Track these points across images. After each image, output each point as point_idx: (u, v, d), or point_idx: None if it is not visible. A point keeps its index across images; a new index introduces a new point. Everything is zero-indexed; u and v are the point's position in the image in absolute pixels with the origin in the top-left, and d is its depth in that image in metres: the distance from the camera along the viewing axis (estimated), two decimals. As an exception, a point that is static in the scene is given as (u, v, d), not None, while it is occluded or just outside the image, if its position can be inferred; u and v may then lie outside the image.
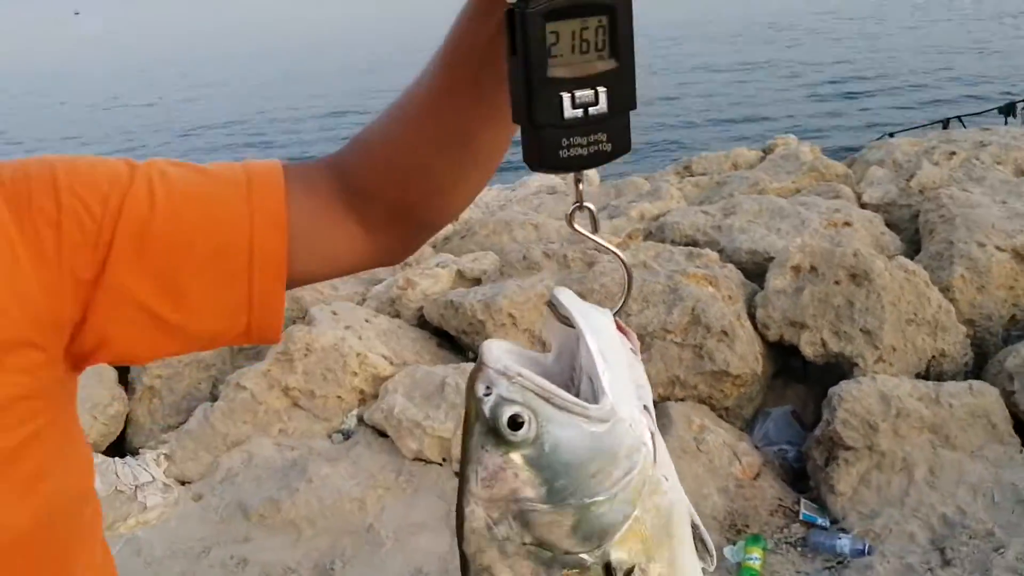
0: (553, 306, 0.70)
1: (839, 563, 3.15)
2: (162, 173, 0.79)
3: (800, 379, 4.15)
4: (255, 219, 0.79)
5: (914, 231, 4.81)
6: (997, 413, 3.51)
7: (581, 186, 0.69)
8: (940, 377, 3.82)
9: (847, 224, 4.60)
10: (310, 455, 3.43)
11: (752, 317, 4.00)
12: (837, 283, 3.90)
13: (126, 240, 0.75)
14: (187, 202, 0.78)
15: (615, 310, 0.71)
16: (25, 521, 0.73)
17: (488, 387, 0.63)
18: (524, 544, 0.64)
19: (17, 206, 0.74)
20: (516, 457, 0.63)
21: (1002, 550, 2.98)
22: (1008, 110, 10.22)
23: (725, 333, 3.75)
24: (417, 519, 3.26)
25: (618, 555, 0.64)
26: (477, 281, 4.38)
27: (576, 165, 0.65)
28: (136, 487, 3.33)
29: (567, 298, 0.70)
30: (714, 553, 0.75)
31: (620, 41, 0.64)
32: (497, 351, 0.65)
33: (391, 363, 3.78)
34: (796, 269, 4.01)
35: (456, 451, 3.41)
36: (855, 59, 23.46)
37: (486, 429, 0.63)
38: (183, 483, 3.48)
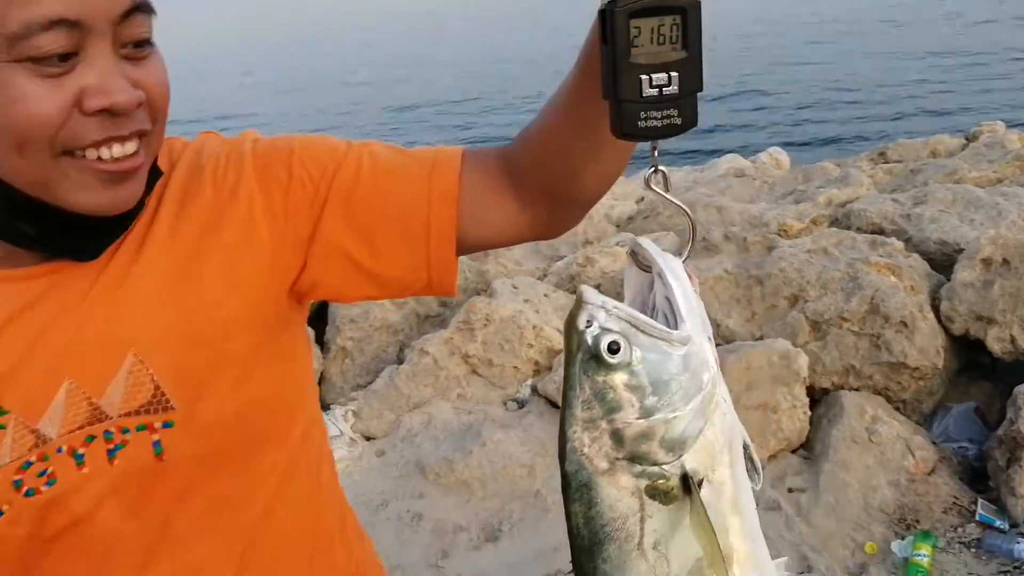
0: (634, 254, 0.81)
1: (1016, 568, 3.04)
2: (371, 152, 1.01)
3: (987, 376, 3.98)
4: (433, 194, 0.98)
5: None
6: None
7: (656, 153, 0.82)
8: None
9: (1051, 216, 4.34)
10: (485, 420, 3.64)
11: (936, 309, 3.87)
12: (1032, 278, 3.72)
13: (336, 202, 0.97)
14: (385, 176, 0.99)
15: (683, 258, 0.81)
16: (227, 409, 0.94)
17: (589, 320, 0.75)
18: (618, 459, 0.75)
19: (261, 172, 0.97)
20: (614, 378, 0.74)
21: None
22: None
23: (904, 324, 3.66)
24: (583, 487, 3.40)
25: (692, 465, 0.75)
26: (651, 262, 4.45)
27: (652, 135, 0.78)
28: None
29: (648, 245, 0.79)
30: (761, 473, 0.84)
31: (690, 36, 0.77)
32: (594, 292, 0.77)
33: (565, 337, 3.93)
34: (987, 261, 3.85)
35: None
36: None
37: (588, 356, 0.74)
38: (368, 439, 3.79)
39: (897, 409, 3.81)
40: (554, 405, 3.75)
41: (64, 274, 0.88)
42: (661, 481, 0.75)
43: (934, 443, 3.64)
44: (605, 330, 0.74)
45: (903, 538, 3.22)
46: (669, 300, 0.76)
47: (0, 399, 0.84)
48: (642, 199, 5.71)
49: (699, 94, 0.79)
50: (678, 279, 0.76)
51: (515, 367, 3.87)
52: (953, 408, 3.87)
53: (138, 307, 0.89)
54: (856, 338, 3.70)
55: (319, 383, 4.25)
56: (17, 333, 0.85)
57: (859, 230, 4.60)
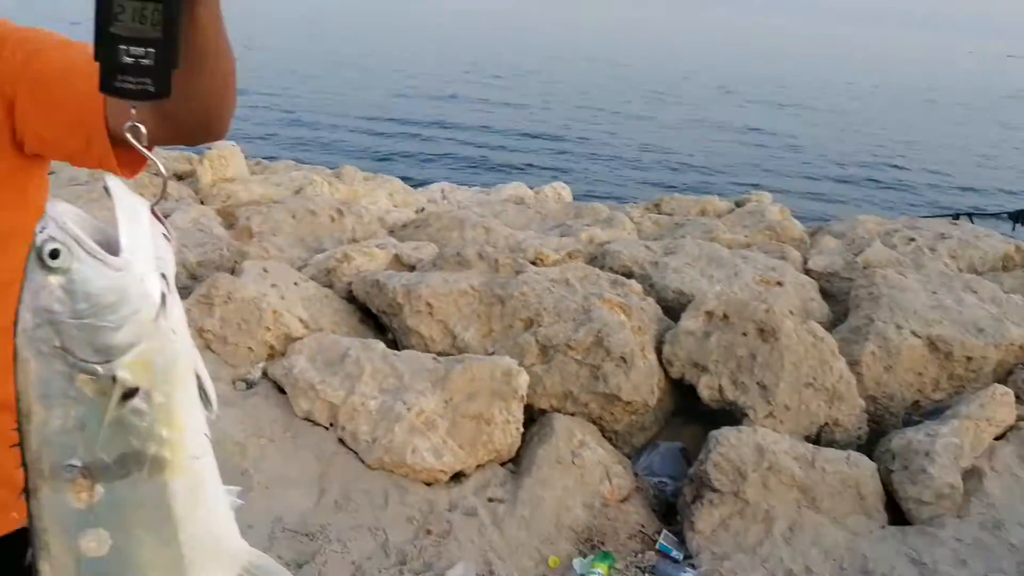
0: (108, 190, 0.89)
1: (678, 594, 3.26)
2: (68, 43, 1.23)
3: (699, 420, 4.26)
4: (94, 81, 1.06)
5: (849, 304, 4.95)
6: (868, 486, 3.62)
7: (134, 111, 0.98)
8: (832, 445, 3.92)
9: (779, 284, 4.72)
10: (205, 396, 3.55)
11: (660, 352, 4.12)
12: (744, 334, 4.02)
13: (29, 77, 1.20)
14: (63, 70, 1.19)
15: (153, 203, 0.92)
16: None
17: (43, 227, 0.84)
18: (55, 347, 0.85)
19: None
20: (53, 279, 0.84)
21: (829, 611, 3.09)
22: (1018, 216, 10.46)
23: (624, 360, 3.87)
24: (291, 474, 3.38)
25: (123, 374, 0.85)
26: (412, 268, 4.51)
27: (126, 96, 0.93)
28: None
29: (115, 184, 0.88)
30: (215, 403, 0.96)
31: (168, 21, 0.91)
32: (62, 206, 0.86)
33: (306, 327, 3.91)
34: (710, 314, 4.14)
35: (342, 418, 3.54)
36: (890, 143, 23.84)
37: (35, 256, 0.84)
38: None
39: (609, 439, 4.02)
40: (281, 390, 3.72)
41: None
42: (91, 378, 0.85)
43: (636, 474, 3.86)
44: (51, 238, 0.83)
45: (585, 557, 3.39)
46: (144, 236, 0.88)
47: None
48: (422, 210, 5.77)
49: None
50: (132, 216, 0.87)
51: (250, 348, 3.81)
52: (661, 445, 4.12)
53: None
54: (578, 366, 3.88)
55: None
56: None
57: (611, 270, 4.85)
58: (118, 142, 1.14)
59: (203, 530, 0.96)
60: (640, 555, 3.48)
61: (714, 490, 3.55)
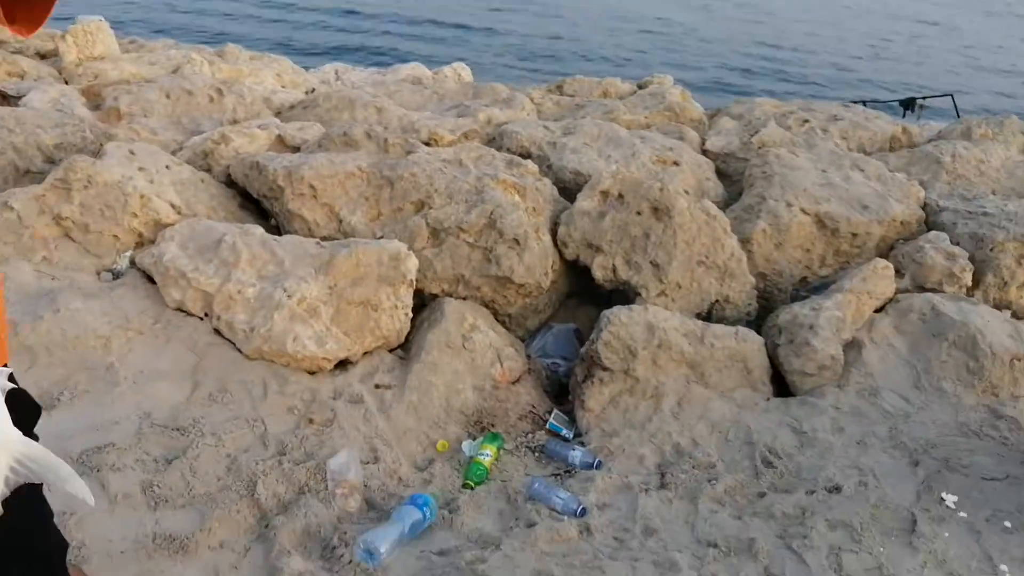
0: None
1: (567, 472, 3.26)
2: None
3: (595, 301, 4.23)
4: None
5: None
6: (755, 360, 3.66)
7: None
8: (722, 321, 3.95)
9: (675, 163, 4.67)
10: (69, 288, 3.35)
11: (555, 234, 4.05)
12: (639, 214, 3.97)
13: None
14: None
15: None
16: None
17: None
18: None
19: None
20: None
21: (714, 481, 3.14)
22: (908, 104, 10.79)
23: (517, 241, 3.78)
24: (162, 367, 3.23)
25: None
26: (296, 149, 4.30)
27: None
28: None
29: None
30: None
31: None
32: None
33: (178, 212, 3.70)
34: (605, 194, 4.06)
35: (217, 307, 3.38)
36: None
37: None
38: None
39: (503, 323, 3.96)
40: (151, 280, 3.53)
41: None
42: None
43: (529, 356, 3.82)
44: None
45: (475, 439, 3.36)
46: None
47: None
48: (312, 91, 5.49)
49: None
50: None
51: (115, 236, 3.58)
52: (554, 327, 4.09)
53: None
54: (470, 249, 3.78)
55: None
56: None
57: (508, 150, 4.71)
58: None
59: None
60: (531, 435, 3.47)
61: (604, 368, 3.54)
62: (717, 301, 4.02)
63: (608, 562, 2.73)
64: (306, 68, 6.94)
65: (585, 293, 4.28)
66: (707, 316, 4.01)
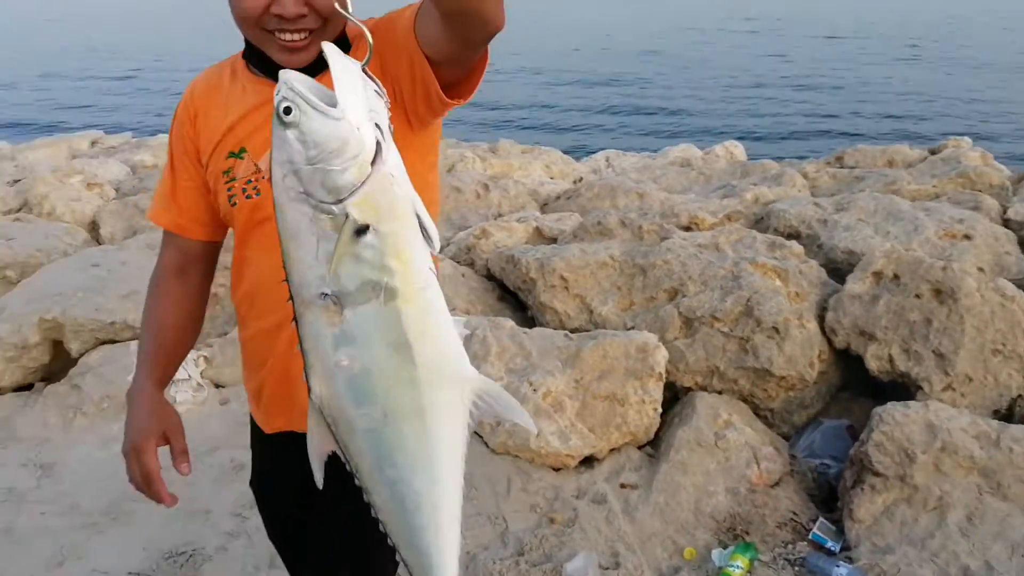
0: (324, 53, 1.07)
1: (830, 591, 2.93)
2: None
3: (870, 394, 3.84)
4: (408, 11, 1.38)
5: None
6: (1070, 469, 3.11)
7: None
8: (1028, 420, 3.42)
9: (966, 237, 4.16)
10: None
11: (822, 320, 3.73)
12: (918, 297, 3.56)
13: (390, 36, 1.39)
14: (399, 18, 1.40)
15: (363, 63, 1.10)
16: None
17: (278, 91, 1.05)
18: (299, 192, 1.05)
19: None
20: (289, 133, 1.04)
21: (1012, 616, 2.67)
22: None
23: (776, 330, 3.52)
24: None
25: (353, 212, 1.04)
26: (553, 240, 4.34)
27: None
28: (172, 382, 3.60)
29: (329, 48, 1.08)
30: (436, 240, 1.12)
31: None
32: (292, 74, 1.06)
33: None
34: (878, 275, 3.70)
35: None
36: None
37: (275, 115, 1.05)
38: (217, 386, 3.72)
39: (764, 419, 3.69)
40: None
41: None
42: (328, 216, 1.05)
43: (793, 456, 3.52)
44: (285, 98, 1.04)
45: (726, 547, 3.12)
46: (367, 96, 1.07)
47: (244, 143, 1.51)
48: (579, 180, 5.57)
49: None
50: (345, 75, 1.06)
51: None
52: (824, 423, 3.74)
53: None
54: (725, 339, 3.58)
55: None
56: (259, 112, 1.49)
57: (776, 231, 4.46)
58: (436, 63, 1.34)
59: (434, 353, 1.12)
60: (790, 546, 3.16)
61: (876, 474, 3.16)
62: (1020, 396, 3.48)
63: None
64: (577, 158, 7.09)
65: (860, 385, 3.88)
66: (1007, 415, 3.48)
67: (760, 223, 4.64)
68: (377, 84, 1.10)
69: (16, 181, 6.13)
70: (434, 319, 1.12)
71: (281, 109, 1.04)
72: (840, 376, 3.85)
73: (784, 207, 4.53)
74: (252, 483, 1.93)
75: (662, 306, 3.74)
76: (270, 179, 1.08)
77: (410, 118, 1.44)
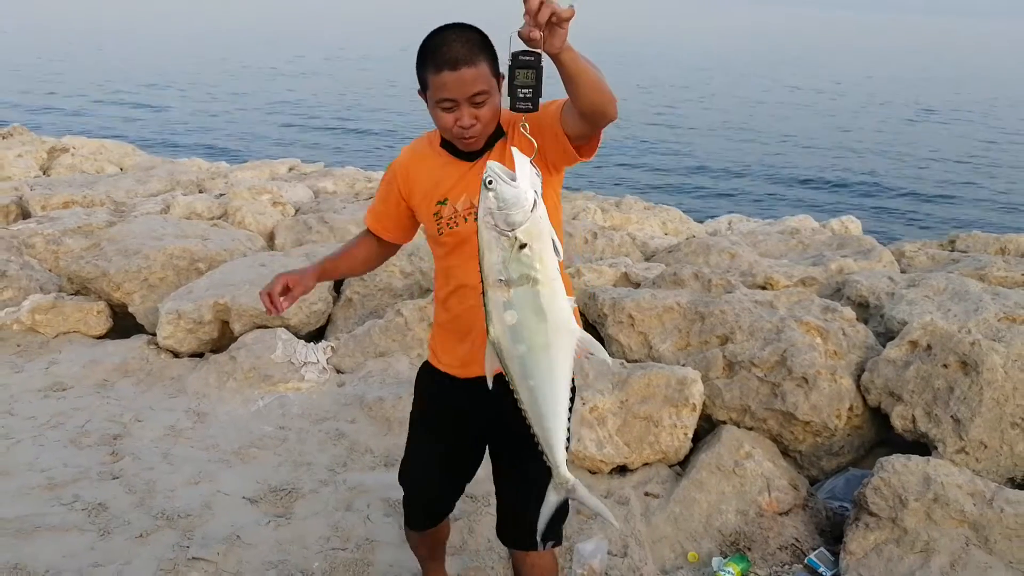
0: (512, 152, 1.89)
1: (812, 608, 3.36)
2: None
3: (902, 452, 4.18)
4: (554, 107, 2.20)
5: None
6: (1058, 537, 3.40)
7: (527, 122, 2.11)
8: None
9: (1024, 322, 4.43)
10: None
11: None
12: (945, 366, 3.92)
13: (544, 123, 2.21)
14: (547, 109, 2.17)
15: (531, 158, 1.87)
16: None
17: (486, 172, 1.81)
18: (492, 224, 1.80)
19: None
20: (490, 193, 1.79)
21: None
22: None
23: (805, 380, 3.98)
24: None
25: (521, 236, 1.80)
26: (638, 285, 4.94)
27: (519, 111, 1.99)
28: (304, 364, 4.48)
29: (516, 152, 1.86)
30: (561, 250, 1.89)
31: (536, 77, 1.96)
32: (493, 164, 1.82)
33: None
34: (914, 344, 4.08)
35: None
36: None
37: (484, 184, 1.80)
38: (338, 372, 4.57)
39: (794, 459, 4.13)
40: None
41: (467, 165, 2.36)
42: (507, 238, 1.81)
43: (811, 495, 3.94)
44: (488, 176, 1.80)
45: (725, 557, 3.60)
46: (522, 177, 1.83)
47: (447, 195, 2.39)
48: (692, 238, 6.13)
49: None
50: (522, 163, 1.82)
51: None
52: (850, 471, 4.13)
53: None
54: (759, 383, 4.07)
55: (327, 323, 5.12)
56: (454, 175, 2.38)
57: (847, 299, 4.87)
58: (570, 138, 2.17)
59: (557, 314, 1.87)
60: (787, 567, 3.60)
61: (871, 514, 3.56)
62: (1036, 468, 3.76)
63: None
64: (701, 221, 7.59)
65: (898, 444, 4.23)
66: (1023, 485, 3.77)
67: (837, 292, 5.05)
68: (536, 169, 1.87)
69: (221, 195, 7.38)
70: (559, 296, 1.87)
71: (487, 181, 1.80)
72: (875, 432, 4.22)
73: (859, 278, 4.93)
74: (421, 418, 2.76)
75: (712, 349, 4.27)
76: (475, 218, 1.88)
77: (550, 168, 2.27)
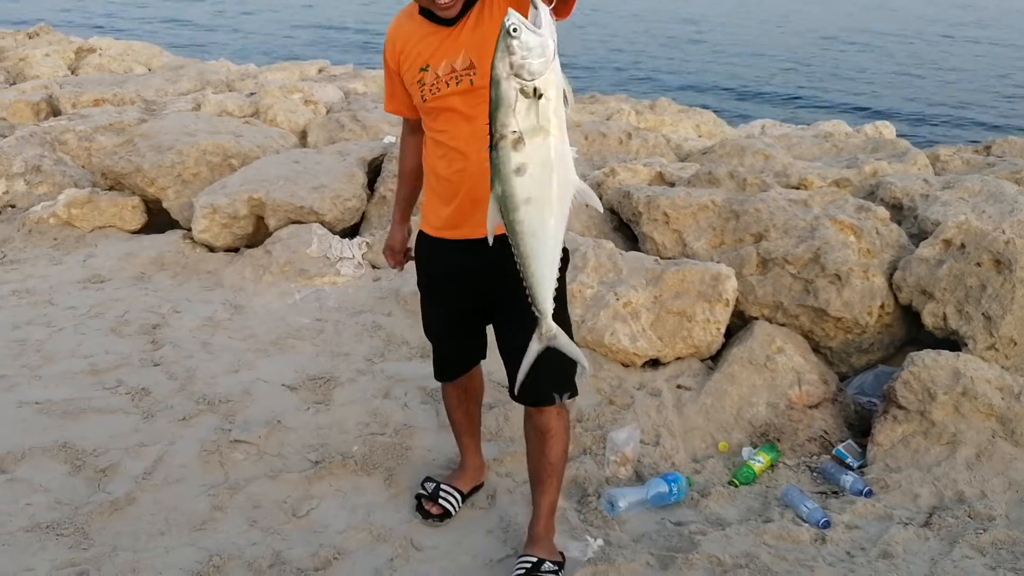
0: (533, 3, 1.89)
1: (834, 493, 3.44)
2: None
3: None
4: None
5: None
6: (1085, 430, 3.44)
7: None
8: (1074, 391, 3.73)
9: (1061, 223, 4.40)
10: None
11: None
12: (979, 264, 3.92)
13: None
14: None
15: (550, 6, 1.95)
16: None
17: (508, 20, 1.84)
18: (514, 75, 1.84)
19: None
20: (512, 42, 1.83)
21: (982, 531, 3.10)
22: None
23: (838, 277, 4.00)
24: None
25: (539, 85, 1.85)
26: (672, 184, 4.93)
27: None
28: (339, 259, 4.53)
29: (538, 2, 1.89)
30: (571, 102, 1.96)
31: None
32: (514, 14, 1.85)
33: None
34: (947, 243, 4.07)
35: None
36: None
37: (504, 32, 1.84)
38: (374, 267, 4.62)
39: (823, 355, 4.17)
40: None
41: (446, 31, 2.39)
42: (526, 87, 1.85)
43: (839, 389, 3.99)
44: (511, 23, 1.83)
45: (755, 447, 3.68)
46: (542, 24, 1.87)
47: (429, 61, 2.43)
48: (726, 140, 6.07)
49: None
50: (544, 12, 1.87)
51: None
52: (879, 368, 4.17)
53: (467, 40, 2.38)
54: (792, 280, 4.09)
55: (361, 220, 5.15)
56: (433, 39, 2.43)
57: (881, 200, 4.84)
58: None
59: (564, 169, 1.95)
60: (815, 457, 3.68)
61: (900, 407, 3.62)
62: (1066, 366, 3.79)
63: (823, 567, 2.91)
64: (734, 124, 7.50)
65: (929, 342, 4.26)
66: (1052, 381, 3.79)
67: (871, 194, 5.01)
68: (552, 15, 1.90)
69: (252, 94, 7.35)
70: (566, 149, 1.94)
71: (511, 29, 1.82)
72: (906, 330, 4.25)
73: (893, 180, 4.90)
74: (422, 283, 2.87)
75: (746, 246, 4.28)
76: (456, 83, 2.21)
77: None
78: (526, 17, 1.91)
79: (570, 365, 2.56)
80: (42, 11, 23.19)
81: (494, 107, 1.88)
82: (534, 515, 2.87)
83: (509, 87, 1.84)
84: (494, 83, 1.86)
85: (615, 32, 27.28)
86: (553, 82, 1.85)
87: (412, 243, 2.92)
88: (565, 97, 1.91)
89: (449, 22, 2.40)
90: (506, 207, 1.95)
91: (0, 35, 10.99)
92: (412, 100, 2.61)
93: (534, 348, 2.18)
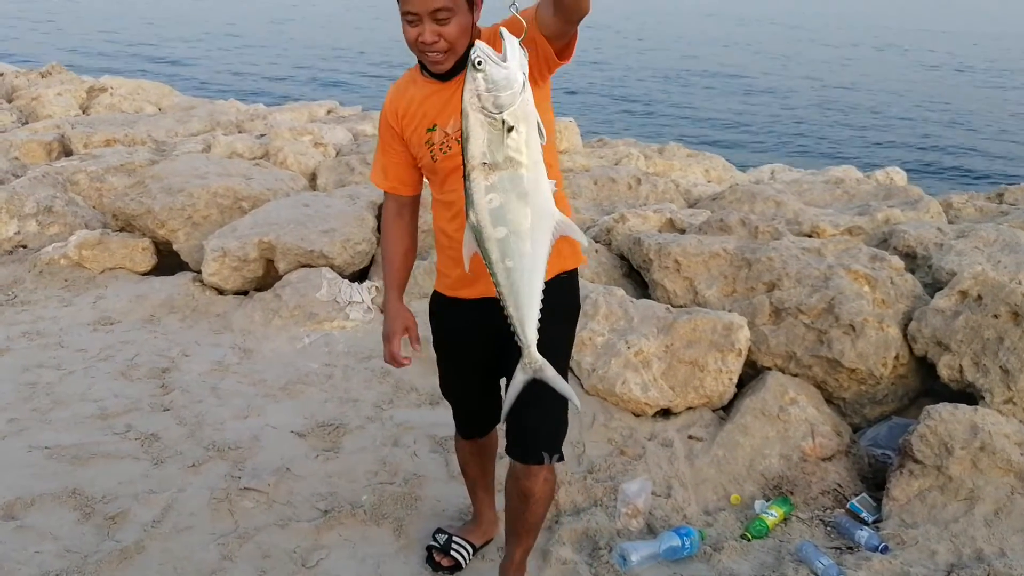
0: (504, 35, 1.90)
1: (849, 548, 3.38)
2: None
3: (947, 401, 4.17)
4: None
5: None
6: (1106, 488, 3.39)
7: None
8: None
9: (1077, 274, 4.36)
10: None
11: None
12: (996, 317, 3.89)
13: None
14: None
15: (520, 39, 1.91)
16: None
17: (474, 53, 1.85)
18: (480, 107, 1.85)
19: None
20: (479, 75, 1.84)
21: (1001, 592, 3.04)
22: None
23: (852, 327, 3.97)
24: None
25: (507, 118, 1.85)
26: (682, 231, 4.92)
27: None
28: (348, 303, 4.51)
29: (504, 32, 1.90)
30: (544, 135, 1.94)
31: None
32: (481, 45, 1.85)
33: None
34: (963, 294, 4.04)
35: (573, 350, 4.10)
36: None
37: (471, 65, 1.85)
38: (382, 311, 4.61)
39: (837, 406, 4.13)
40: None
41: (450, 88, 2.33)
42: (494, 120, 1.86)
43: (852, 441, 3.94)
44: (477, 56, 1.83)
45: (768, 500, 3.62)
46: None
47: (435, 120, 2.39)
48: (736, 185, 6.07)
49: None
50: (511, 44, 1.86)
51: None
52: (894, 420, 4.12)
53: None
54: (805, 330, 4.05)
55: (370, 264, 5.14)
56: (437, 98, 2.38)
57: (894, 249, 4.82)
58: (548, 39, 2.15)
59: (540, 200, 1.95)
60: (829, 511, 3.62)
61: (916, 461, 3.56)
62: (1085, 420, 3.73)
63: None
64: (743, 169, 7.52)
65: (943, 393, 4.22)
66: (1070, 435, 3.74)
67: (884, 242, 4.99)
68: (524, 51, 1.89)
69: (262, 135, 7.39)
70: (542, 180, 1.94)
71: (476, 62, 1.82)
72: (921, 382, 4.20)
73: (907, 228, 4.87)
74: (438, 343, 2.85)
75: (759, 295, 4.26)
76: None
77: (535, 79, 2.18)
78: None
79: (563, 429, 2.58)
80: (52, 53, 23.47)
81: (464, 139, 1.90)
82: (506, 558, 2.88)
83: (476, 120, 1.86)
84: (464, 115, 1.88)
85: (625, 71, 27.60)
86: (523, 115, 1.86)
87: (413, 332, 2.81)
88: (539, 129, 1.91)
89: (448, 76, 2.37)
90: (480, 236, 1.97)
91: (14, 74, 11.10)
92: (411, 174, 2.59)
93: (519, 379, 2.17)
